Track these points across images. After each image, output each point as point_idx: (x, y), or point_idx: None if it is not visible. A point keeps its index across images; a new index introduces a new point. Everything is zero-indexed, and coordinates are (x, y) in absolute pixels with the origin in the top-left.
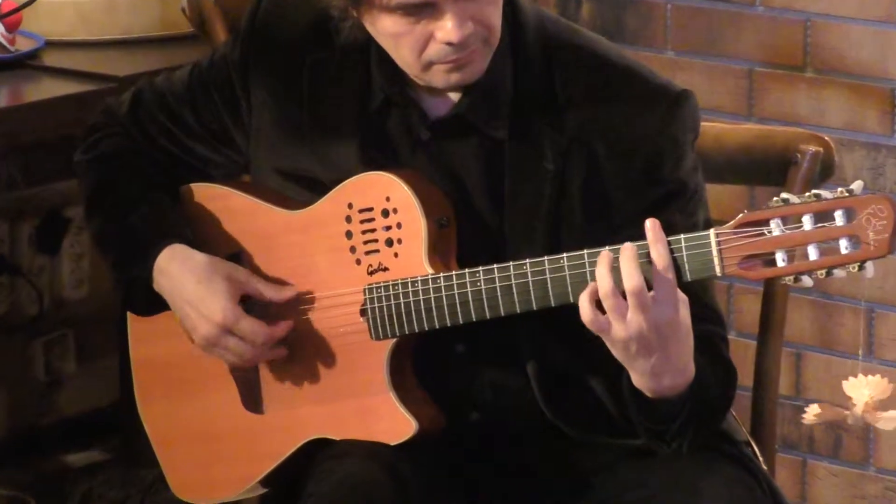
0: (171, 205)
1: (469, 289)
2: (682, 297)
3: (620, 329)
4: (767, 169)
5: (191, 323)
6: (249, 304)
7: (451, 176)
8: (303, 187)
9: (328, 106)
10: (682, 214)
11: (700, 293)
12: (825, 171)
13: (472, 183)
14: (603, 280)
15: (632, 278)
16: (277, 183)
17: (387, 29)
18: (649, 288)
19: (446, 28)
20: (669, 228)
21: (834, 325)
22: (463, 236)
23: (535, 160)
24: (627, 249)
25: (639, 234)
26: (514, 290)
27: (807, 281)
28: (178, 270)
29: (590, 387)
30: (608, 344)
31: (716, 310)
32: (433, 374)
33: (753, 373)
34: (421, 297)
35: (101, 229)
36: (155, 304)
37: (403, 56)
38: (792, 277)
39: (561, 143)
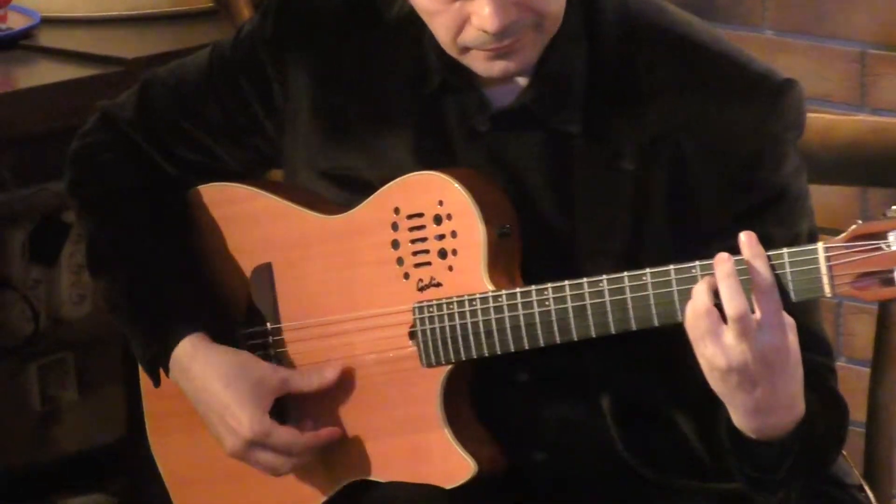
0: (189, 265)
1: (536, 309)
2: (790, 321)
3: (720, 357)
4: (883, 168)
5: (216, 431)
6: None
7: (512, 175)
8: (343, 188)
9: (377, 90)
10: (782, 225)
11: (804, 317)
12: None
13: (536, 184)
14: (701, 296)
15: (734, 300)
16: (314, 182)
17: (420, 3)
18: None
19: (482, 14)
20: (767, 241)
21: None
22: (526, 247)
23: (611, 159)
24: (725, 263)
25: (731, 247)
26: (589, 312)
27: None
28: (201, 371)
29: (675, 423)
30: (705, 373)
31: (822, 336)
32: (491, 408)
33: (867, 406)
34: (480, 318)
35: (107, 292)
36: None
37: (440, 36)
38: None
39: (642, 139)
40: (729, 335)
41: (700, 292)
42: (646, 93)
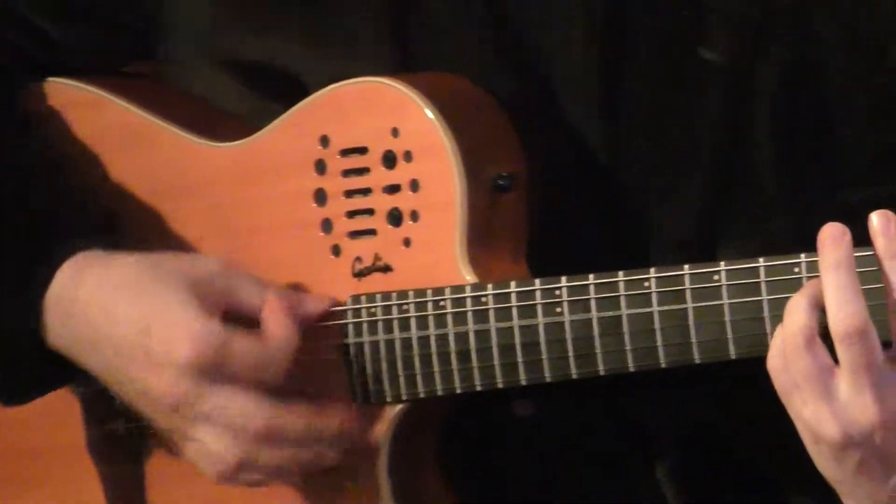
0: (44, 175)
1: (541, 318)
2: None
3: (829, 422)
4: None
5: (140, 387)
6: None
7: (528, 70)
8: (258, 90)
9: None
10: None
11: None
12: None
13: (567, 80)
14: (798, 317)
15: (848, 314)
16: (208, 78)
17: None
18: (885, 345)
19: None
20: None
21: None
22: (544, 210)
23: (682, 43)
24: (835, 247)
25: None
26: (626, 329)
27: None
28: (95, 293)
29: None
30: (807, 447)
31: None
32: (477, 453)
33: None
34: (451, 330)
35: None
36: (42, 380)
37: None
38: None
39: (737, 16)
40: (843, 385)
41: (797, 310)
42: None
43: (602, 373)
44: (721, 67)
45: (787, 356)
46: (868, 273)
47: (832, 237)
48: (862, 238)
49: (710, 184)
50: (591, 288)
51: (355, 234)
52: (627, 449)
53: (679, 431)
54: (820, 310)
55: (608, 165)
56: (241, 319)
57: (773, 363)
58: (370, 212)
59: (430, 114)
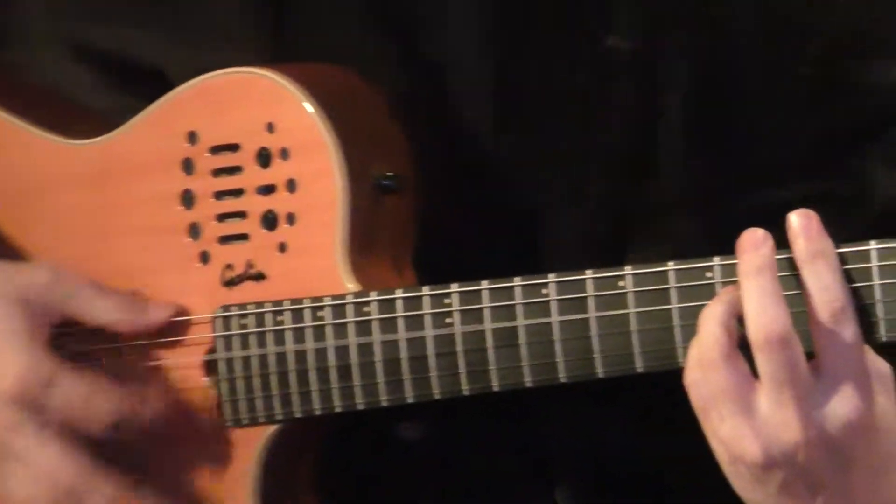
0: None
1: (430, 330)
2: (881, 370)
3: (749, 441)
4: None
5: None
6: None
7: (418, 64)
8: (116, 84)
9: None
10: (887, 171)
11: None
12: None
13: (460, 73)
14: (711, 329)
15: (767, 321)
16: (61, 68)
17: None
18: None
19: None
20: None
21: None
22: (439, 202)
23: (586, 31)
24: (755, 252)
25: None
26: (523, 342)
27: None
28: None
29: None
30: (724, 469)
31: None
32: (360, 479)
33: None
34: (331, 343)
35: None
36: None
37: None
38: None
39: (645, 1)
40: (764, 399)
41: (713, 319)
42: None
43: (496, 389)
44: (628, 56)
45: (703, 370)
46: (787, 278)
47: (752, 241)
48: (781, 241)
49: (616, 182)
50: (485, 296)
51: (226, 240)
52: (525, 472)
53: (581, 452)
54: (738, 319)
55: (505, 164)
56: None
57: (690, 377)
58: (242, 215)
59: (309, 107)
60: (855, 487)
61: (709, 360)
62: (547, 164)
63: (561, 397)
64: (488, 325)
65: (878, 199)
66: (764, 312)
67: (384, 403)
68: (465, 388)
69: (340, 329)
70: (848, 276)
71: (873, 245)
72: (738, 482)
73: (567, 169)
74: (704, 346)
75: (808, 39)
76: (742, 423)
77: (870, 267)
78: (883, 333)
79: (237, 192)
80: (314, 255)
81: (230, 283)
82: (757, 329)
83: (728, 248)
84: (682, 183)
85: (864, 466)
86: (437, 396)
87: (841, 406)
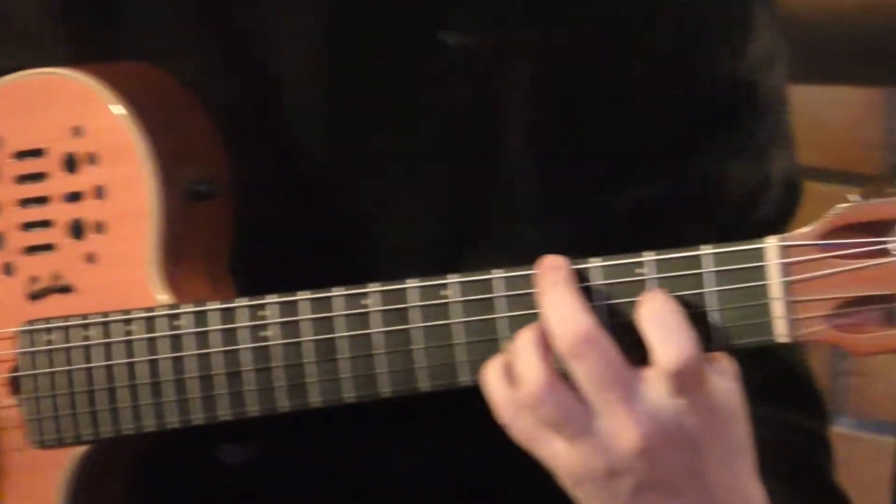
0: None
1: (246, 343)
2: (723, 369)
3: (592, 459)
4: None
5: None
6: None
7: (246, 64)
8: None
9: None
10: (740, 157)
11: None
12: None
13: (290, 72)
14: (530, 358)
15: (569, 323)
16: None
17: None
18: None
19: None
20: (714, 186)
21: None
22: (263, 209)
23: (422, 27)
24: (559, 281)
25: (647, 200)
26: (345, 356)
27: None
28: None
29: None
30: (570, 491)
31: (804, 381)
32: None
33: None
34: (142, 358)
35: None
36: None
37: None
38: None
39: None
40: (593, 412)
41: (528, 351)
42: None
43: (317, 405)
44: (465, 54)
45: (524, 405)
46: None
47: (550, 264)
48: (625, 245)
49: (454, 185)
50: (303, 307)
51: (31, 250)
52: (358, 492)
53: (415, 469)
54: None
55: (339, 168)
56: None
57: (506, 418)
58: (48, 223)
59: (117, 110)
60: (713, 483)
61: (526, 395)
62: (382, 167)
63: (394, 413)
64: (307, 337)
65: (728, 196)
66: (563, 321)
67: (199, 421)
68: (284, 404)
69: (152, 343)
70: (680, 283)
71: (709, 250)
72: (589, 502)
73: (403, 173)
74: (523, 383)
75: (652, 34)
76: (579, 445)
77: (701, 273)
78: (717, 342)
79: (42, 200)
80: (124, 265)
81: (35, 296)
82: (561, 339)
83: (574, 254)
84: (526, 186)
85: (716, 458)
86: (254, 413)
87: (672, 395)
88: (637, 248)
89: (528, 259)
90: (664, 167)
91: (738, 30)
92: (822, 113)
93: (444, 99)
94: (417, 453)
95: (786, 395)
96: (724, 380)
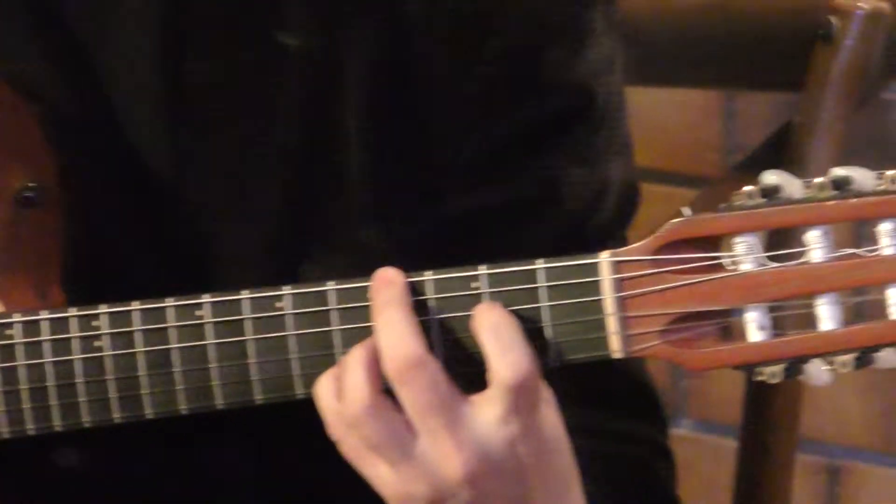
0: None
1: (76, 355)
2: (549, 397)
3: (417, 485)
4: (764, 55)
5: None
6: None
7: (77, 68)
8: None
9: None
10: (577, 162)
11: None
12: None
13: (122, 77)
14: (357, 377)
15: (397, 355)
16: None
17: None
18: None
19: None
20: (554, 189)
21: None
22: (95, 218)
23: (257, 27)
24: (390, 286)
25: (491, 208)
26: (178, 369)
27: (814, 374)
28: None
29: None
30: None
31: (638, 382)
32: None
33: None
34: None
35: None
36: None
37: None
38: (779, 368)
39: None
40: (417, 436)
41: (356, 370)
42: None
43: (150, 416)
44: (301, 54)
45: (350, 424)
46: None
47: (383, 279)
48: (467, 250)
49: (291, 190)
50: (135, 318)
51: None
52: (199, 497)
53: (258, 474)
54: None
55: (175, 174)
56: None
57: (337, 434)
58: None
59: None
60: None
61: (352, 414)
62: (219, 173)
63: (235, 420)
64: (140, 348)
65: (568, 199)
66: (392, 345)
67: (31, 432)
68: (117, 416)
69: None
70: (514, 298)
71: (542, 263)
72: None
73: (241, 178)
74: (348, 401)
75: (490, 36)
76: (402, 469)
77: (535, 288)
78: (552, 358)
79: None
80: None
81: None
82: (390, 362)
83: (413, 260)
84: (364, 190)
85: (545, 487)
86: (87, 425)
87: (503, 419)
88: (479, 253)
89: (370, 263)
90: (505, 171)
91: (576, 34)
92: (661, 115)
93: (281, 101)
94: (255, 463)
95: (625, 404)
96: (550, 408)
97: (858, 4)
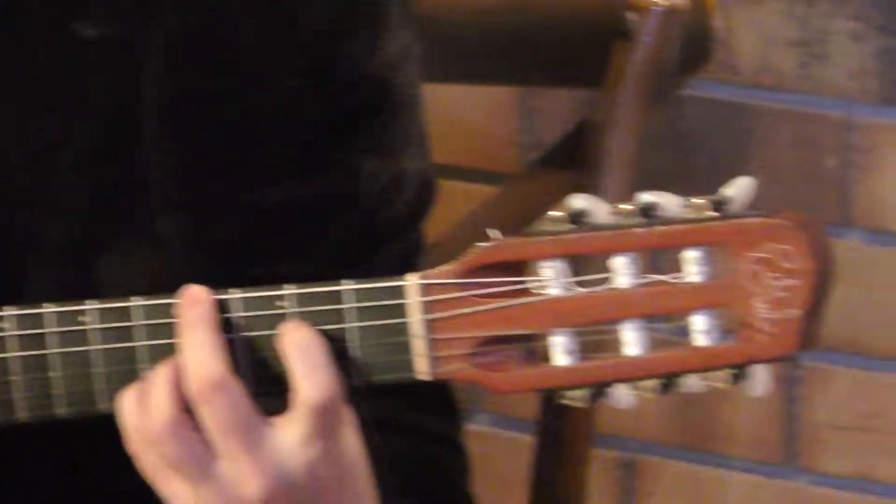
0: None
1: None
2: (352, 420)
3: (188, 493)
4: (562, 52)
5: None
6: None
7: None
8: None
9: None
10: (375, 153)
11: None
12: (695, 59)
13: None
14: (160, 397)
15: (201, 376)
16: None
17: None
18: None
19: None
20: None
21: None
22: None
23: (56, 19)
24: (199, 320)
25: (297, 210)
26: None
27: (619, 398)
28: None
29: None
30: None
31: (441, 387)
32: None
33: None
34: None
35: None
36: None
37: None
38: (583, 392)
39: None
40: (218, 458)
41: (159, 389)
42: None
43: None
44: (101, 46)
45: (151, 440)
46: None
47: (191, 298)
48: (269, 250)
49: (90, 182)
50: None
51: None
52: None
53: (55, 472)
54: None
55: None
56: None
57: (134, 449)
58: None
59: None
60: None
61: (153, 431)
62: (21, 167)
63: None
64: None
65: (364, 192)
66: (195, 365)
67: None
68: None
69: None
70: (322, 318)
71: (348, 285)
72: None
73: (42, 171)
74: (149, 422)
75: (292, 29)
76: (201, 489)
77: (342, 309)
78: (358, 379)
79: None
80: None
81: None
82: (192, 382)
83: (216, 254)
84: (167, 183)
85: None
86: None
87: (305, 441)
88: (284, 246)
89: (171, 256)
90: (307, 165)
91: (372, 28)
92: (459, 111)
93: (79, 93)
94: (56, 477)
95: (416, 395)
96: (351, 430)
97: (656, 0)
